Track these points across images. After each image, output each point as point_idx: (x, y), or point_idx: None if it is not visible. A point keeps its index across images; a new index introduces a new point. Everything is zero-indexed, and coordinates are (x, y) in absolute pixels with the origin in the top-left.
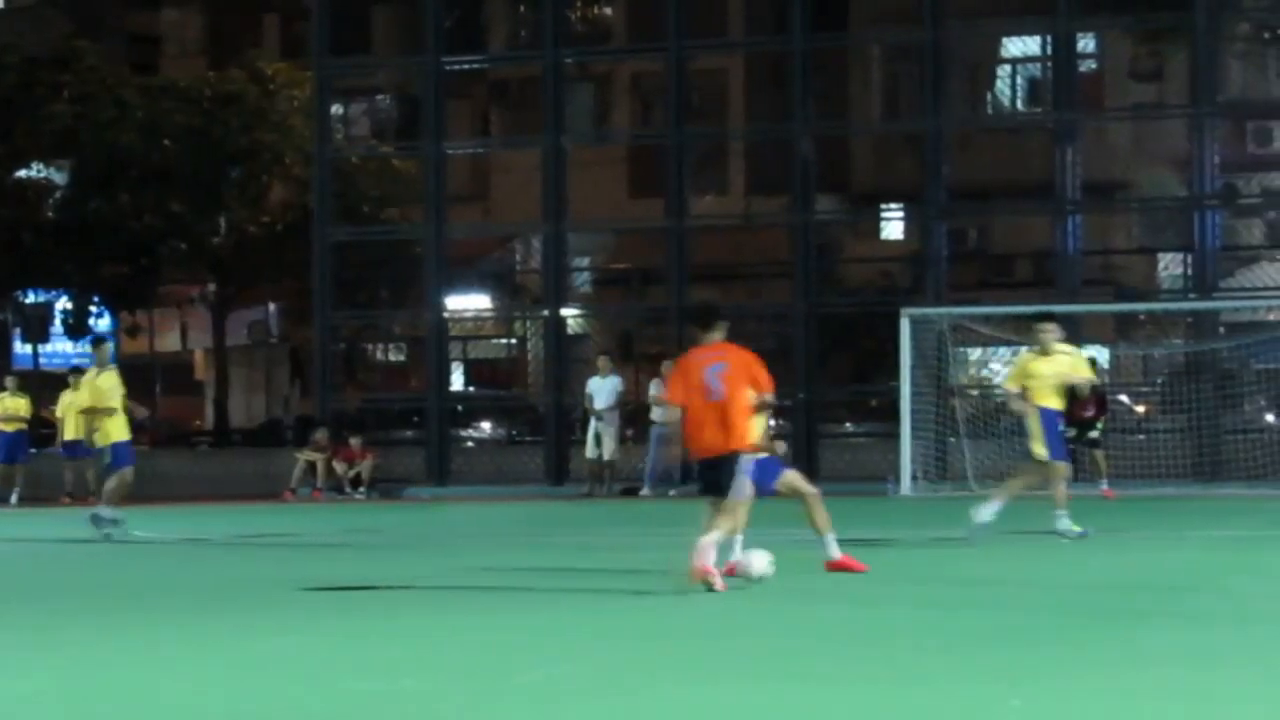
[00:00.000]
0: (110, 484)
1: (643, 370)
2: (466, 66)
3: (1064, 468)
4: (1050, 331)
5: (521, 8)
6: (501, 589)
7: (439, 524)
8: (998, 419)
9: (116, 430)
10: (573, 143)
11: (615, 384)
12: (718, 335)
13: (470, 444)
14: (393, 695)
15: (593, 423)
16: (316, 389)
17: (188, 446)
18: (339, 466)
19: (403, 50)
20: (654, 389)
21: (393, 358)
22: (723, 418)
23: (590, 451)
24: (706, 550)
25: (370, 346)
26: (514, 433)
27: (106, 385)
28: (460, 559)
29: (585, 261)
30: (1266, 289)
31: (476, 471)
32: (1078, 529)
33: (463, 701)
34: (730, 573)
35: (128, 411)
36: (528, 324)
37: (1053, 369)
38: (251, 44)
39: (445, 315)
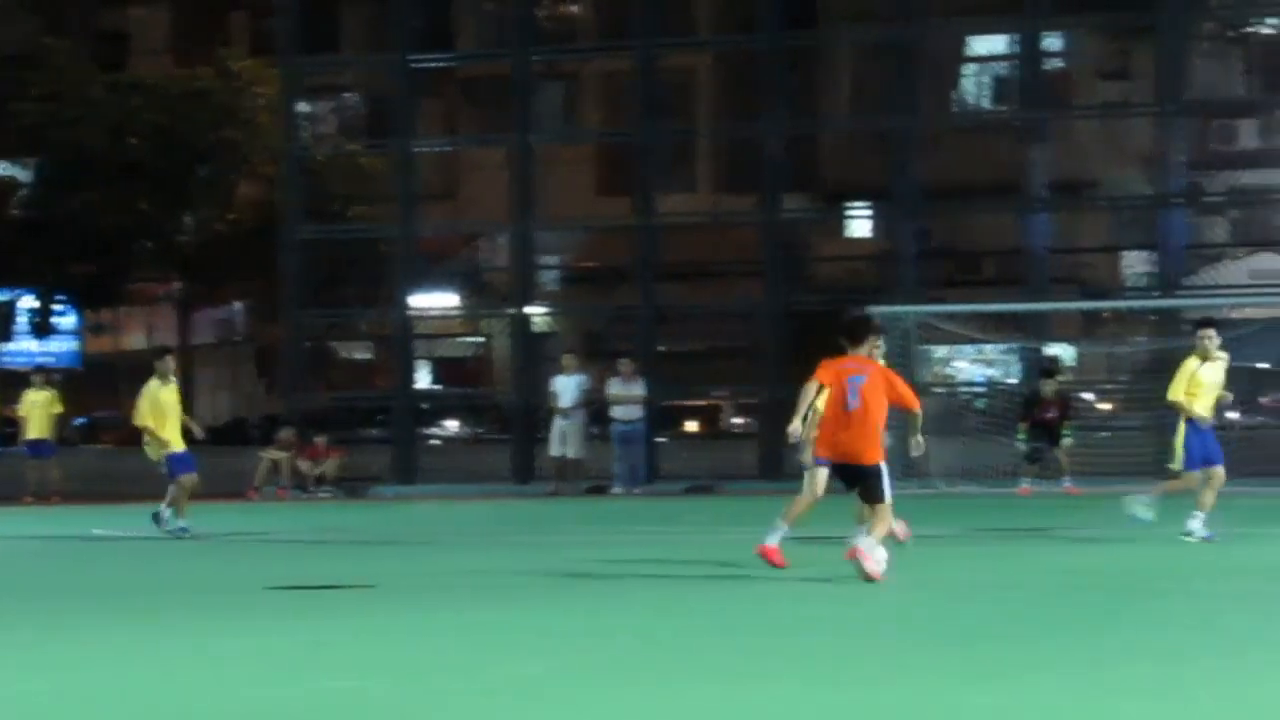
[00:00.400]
0: (172, 492)
1: (607, 370)
2: (435, 65)
3: (1195, 477)
4: (1212, 338)
5: (490, 6)
6: (466, 587)
7: (404, 523)
8: (965, 417)
9: (173, 441)
10: (541, 141)
11: (581, 382)
12: (864, 349)
13: (436, 442)
14: (357, 694)
15: (558, 421)
16: (283, 387)
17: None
18: (304, 465)
19: (371, 48)
20: (614, 388)
21: (360, 356)
22: (859, 427)
23: (555, 450)
24: (872, 550)
25: (337, 345)
26: (480, 431)
27: (169, 399)
28: (425, 558)
29: (553, 260)
30: (1231, 287)
31: (442, 470)
32: (1205, 531)
33: (429, 700)
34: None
35: (184, 426)
36: (494, 322)
37: (1215, 376)
38: (219, 42)
39: (412, 314)
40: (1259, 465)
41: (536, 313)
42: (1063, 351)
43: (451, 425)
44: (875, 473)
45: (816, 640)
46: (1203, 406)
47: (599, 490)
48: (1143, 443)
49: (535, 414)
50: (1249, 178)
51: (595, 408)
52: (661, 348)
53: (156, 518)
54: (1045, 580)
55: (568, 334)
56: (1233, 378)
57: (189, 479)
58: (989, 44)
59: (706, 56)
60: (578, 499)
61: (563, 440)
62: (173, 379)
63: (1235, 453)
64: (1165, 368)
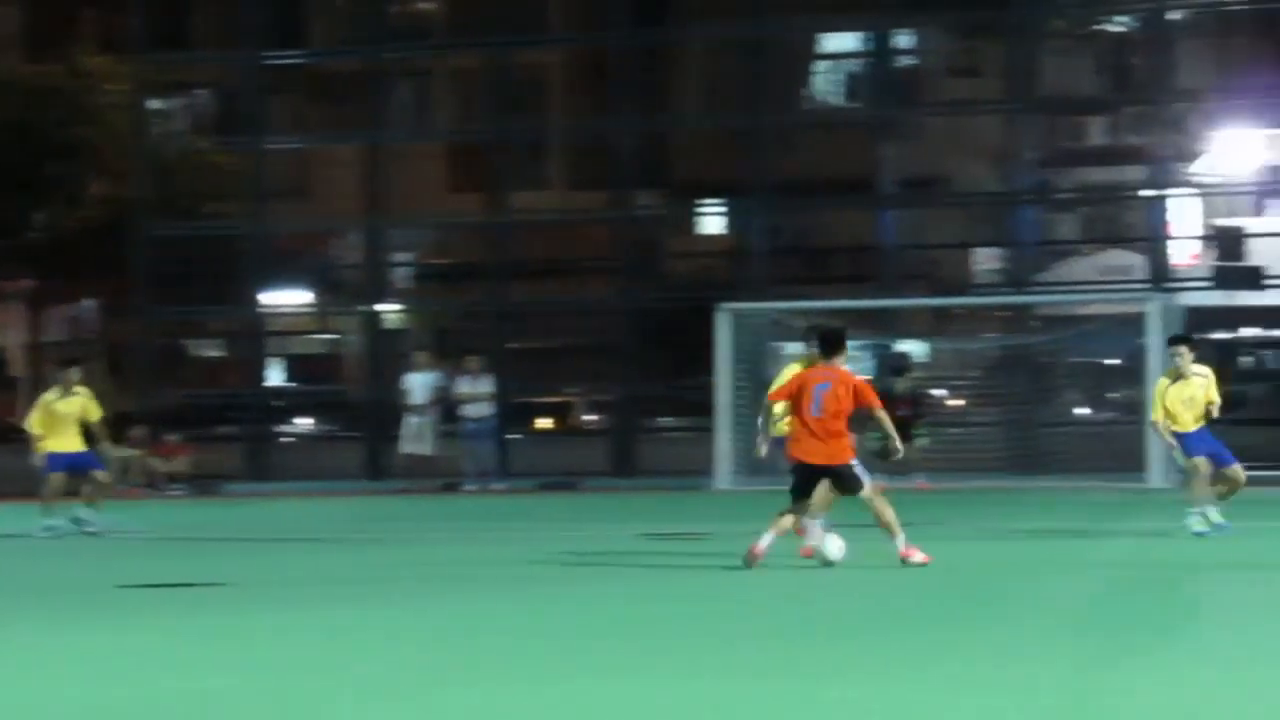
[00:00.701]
0: (86, 490)
1: (459, 367)
2: (287, 61)
3: (1201, 463)
4: (1183, 355)
5: (342, 3)
6: (317, 585)
7: (256, 520)
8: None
9: (61, 445)
10: (393, 138)
11: (432, 379)
12: (839, 360)
13: (289, 440)
14: (204, 694)
15: (410, 418)
16: (135, 385)
17: (2, 442)
18: (156, 462)
19: (223, 45)
20: (462, 386)
21: (212, 354)
22: (822, 433)
23: (407, 447)
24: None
25: (190, 342)
26: (332, 428)
27: (64, 410)
28: (277, 556)
29: (405, 257)
30: (1081, 283)
31: (295, 467)
32: (1202, 527)
33: (276, 700)
34: (807, 555)
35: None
36: (347, 320)
37: (1187, 393)
38: (71, 38)
39: (264, 311)
40: (1108, 461)
41: (388, 310)
42: (914, 348)
43: (304, 423)
44: (846, 471)
45: (666, 637)
46: (1184, 424)
47: (451, 488)
48: (994, 439)
49: (387, 411)
50: (1099, 175)
51: (447, 405)
52: (514, 345)
53: (77, 521)
54: (895, 577)
55: (420, 331)
56: (1082, 374)
57: (57, 479)
58: (840, 41)
59: (559, 54)
60: (430, 496)
61: (414, 437)
62: (76, 390)
63: (1084, 448)
64: (1016, 364)
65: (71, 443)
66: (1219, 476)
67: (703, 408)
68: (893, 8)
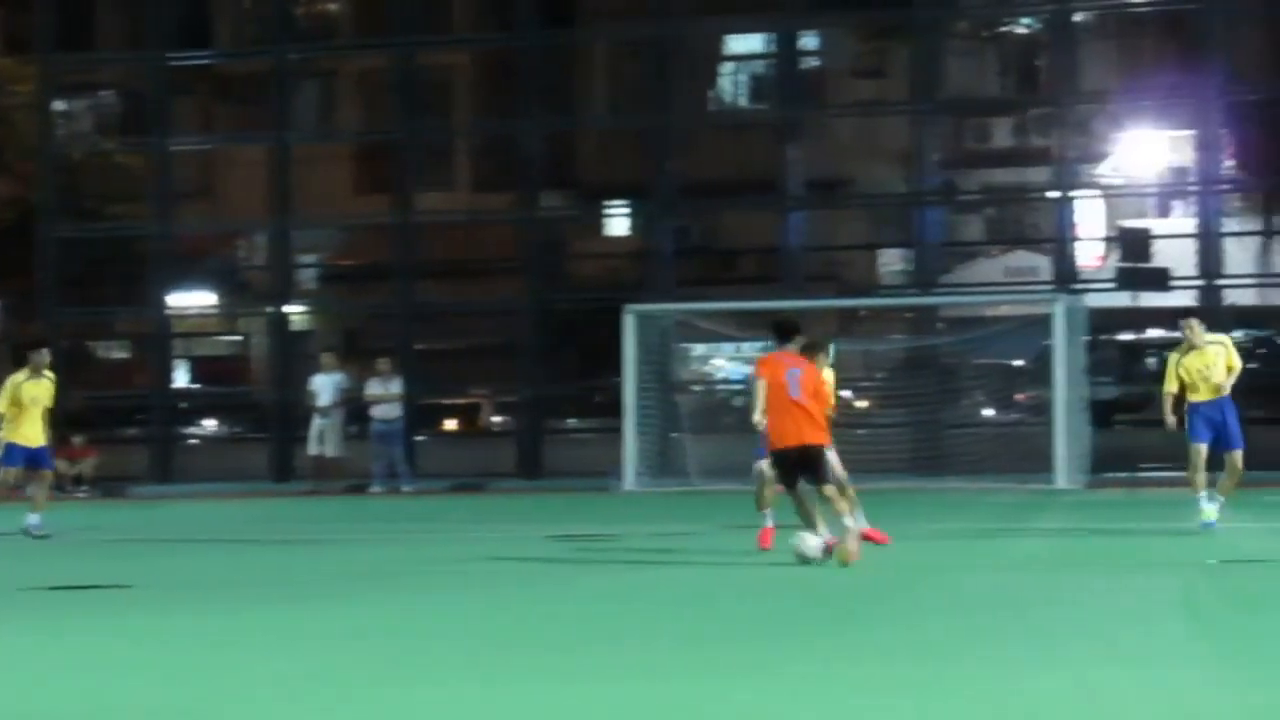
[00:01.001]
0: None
1: (367, 368)
2: (192, 62)
3: (1199, 449)
4: (1194, 328)
5: (248, 3)
6: (222, 587)
7: (162, 522)
8: (722, 415)
9: (24, 436)
10: (299, 139)
11: (339, 381)
12: (793, 346)
13: (195, 441)
14: (107, 695)
15: (316, 419)
16: None
17: None
18: (61, 465)
19: (129, 46)
20: (372, 387)
21: (118, 355)
22: (803, 414)
23: (314, 448)
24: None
25: (95, 344)
26: (238, 430)
27: (34, 392)
28: (182, 557)
29: (311, 258)
30: (986, 284)
31: (201, 469)
32: (1210, 518)
33: (179, 702)
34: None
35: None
36: (253, 321)
37: (1201, 362)
38: None
39: (170, 312)
40: (1014, 462)
41: (295, 311)
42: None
43: (210, 424)
44: (819, 453)
45: (572, 638)
46: (1201, 394)
47: (358, 489)
48: (900, 440)
49: (293, 412)
50: (1003, 176)
51: (354, 406)
52: (421, 346)
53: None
54: (794, 576)
55: (326, 332)
56: (988, 375)
57: (13, 474)
58: (746, 42)
59: (465, 54)
60: (336, 497)
61: (321, 439)
62: (46, 374)
63: (991, 449)
64: (922, 365)
65: (34, 433)
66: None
67: (610, 409)
68: (798, 9)
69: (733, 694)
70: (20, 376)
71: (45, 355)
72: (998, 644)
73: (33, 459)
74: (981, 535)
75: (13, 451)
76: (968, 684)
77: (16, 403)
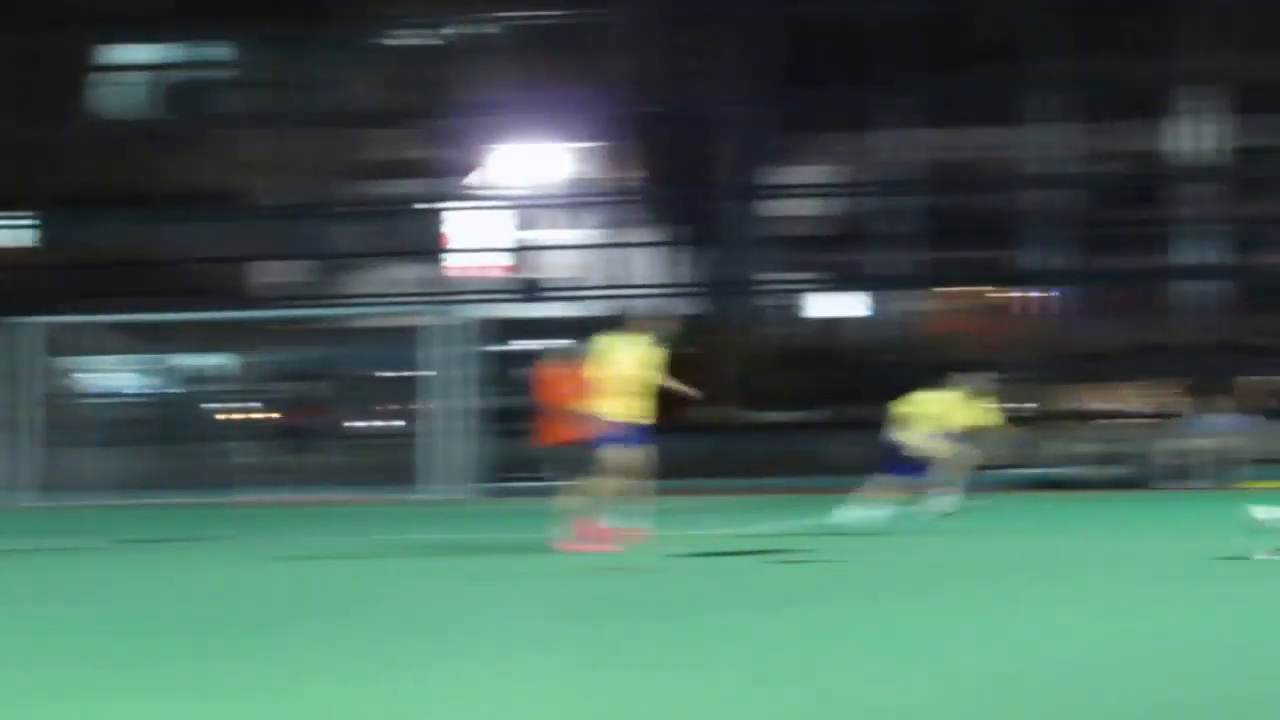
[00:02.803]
0: None
1: None
2: None
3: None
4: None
5: None
6: None
7: None
8: (105, 428)
9: None
10: None
11: None
12: None
13: None
14: None
15: None
16: None
17: None
18: None
19: None
20: None
21: None
22: None
23: None
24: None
25: None
26: None
27: None
28: None
29: None
30: (371, 295)
31: None
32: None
33: None
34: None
35: None
36: None
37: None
38: None
39: None
40: (400, 472)
41: None
42: (205, 361)
43: None
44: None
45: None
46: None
47: None
48: (282, 451)
49: None
50: (389, 188)
51: None
52: None
53: None
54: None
55: None
56: (367, 386)
57: None
58: (129, 53)
59: None
60: None
61: None
62: None
63: (377, 459)
64: (306, 377)
65: None
66: None
67: None
68: (184, 21)
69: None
70: None
71: None
72: (344, 652)
73: None
74: (369, 548)
75: None
76: (311, 697)
77: None
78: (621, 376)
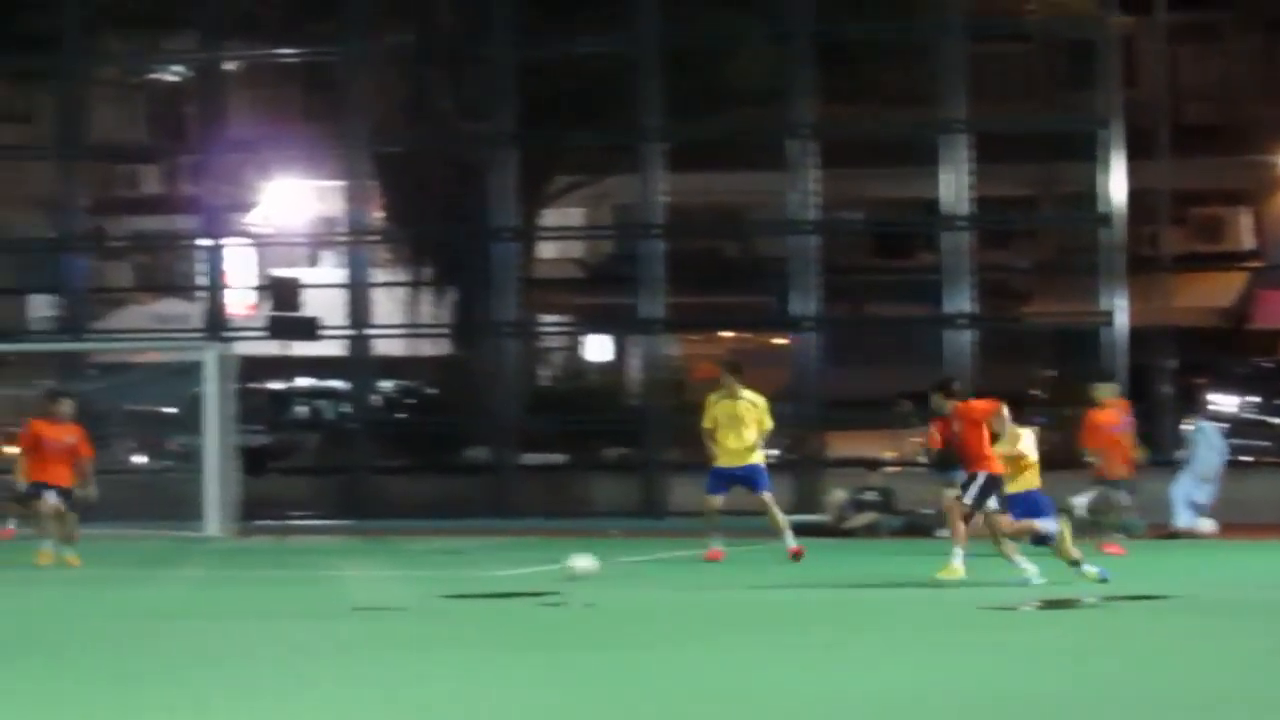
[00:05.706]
0: None
1: None
2: None
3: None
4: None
5: None
6: None
7: None
8: None
9: None
10: None
11: None
12: None
13: None
14: None
15: None
16: None
17: None
18: None
19: None
20: None
21: None
22: None
23: None
24: None
25: None
26: None
27: None
28: None
29: None
30: (135, 331)
31: None
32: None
33: None
34: None
35: None
36: None
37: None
38: None
39: None
40: (165, 508)
41: None
42: None
43: None
44: None
45: None
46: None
47: None
48: None
49: None
50: (154, 223)
51: None
52: None
53: None
54: None
55: None
56: (137, 421)
57: None
58: None
59: None
60: None
61: None
62: None
63: (139, 495)
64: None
65: None
66: None
67: None
68: None
69: None
70: None
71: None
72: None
73: None
74: (120, 581)
75: None
76: None
77: None
78: None
